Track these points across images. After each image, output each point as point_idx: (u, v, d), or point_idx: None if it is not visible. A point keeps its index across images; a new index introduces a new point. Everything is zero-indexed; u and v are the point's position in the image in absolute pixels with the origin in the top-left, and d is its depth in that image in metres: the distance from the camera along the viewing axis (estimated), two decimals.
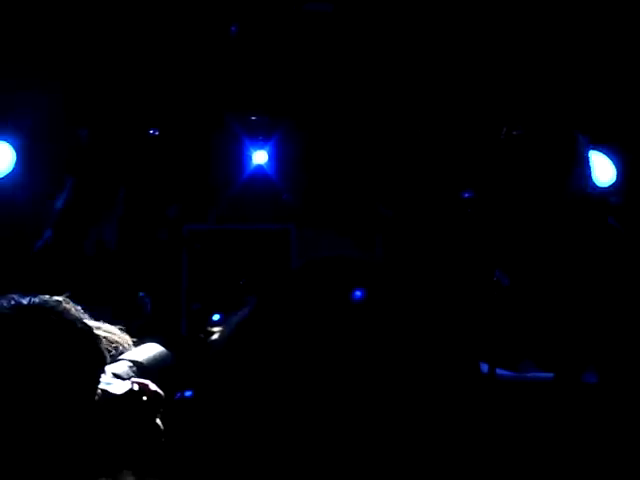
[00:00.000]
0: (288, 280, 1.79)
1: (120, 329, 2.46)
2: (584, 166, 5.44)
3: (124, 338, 2.44)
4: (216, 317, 7.45)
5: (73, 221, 5.41)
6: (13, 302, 2.23)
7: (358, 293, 1.66)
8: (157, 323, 6.74)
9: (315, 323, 1.72)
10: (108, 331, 2.37)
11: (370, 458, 1.52)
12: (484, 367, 5.35)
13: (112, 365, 2.40)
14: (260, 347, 1.69)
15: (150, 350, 2.71)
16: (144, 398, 2.43)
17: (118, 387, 2.35)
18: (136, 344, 2.47)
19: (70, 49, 7.53)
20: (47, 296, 2.27)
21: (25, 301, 2.24)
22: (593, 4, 7.28)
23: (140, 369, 2.52)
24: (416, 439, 1.71)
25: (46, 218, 5.49)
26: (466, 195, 6.54)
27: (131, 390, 2.37)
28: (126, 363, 2.49)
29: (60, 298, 2.30)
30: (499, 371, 5.54)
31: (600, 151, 6.73)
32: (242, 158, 8.26)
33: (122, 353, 2.44)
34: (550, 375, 5.59)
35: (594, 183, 6.08)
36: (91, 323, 2.34)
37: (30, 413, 2.22)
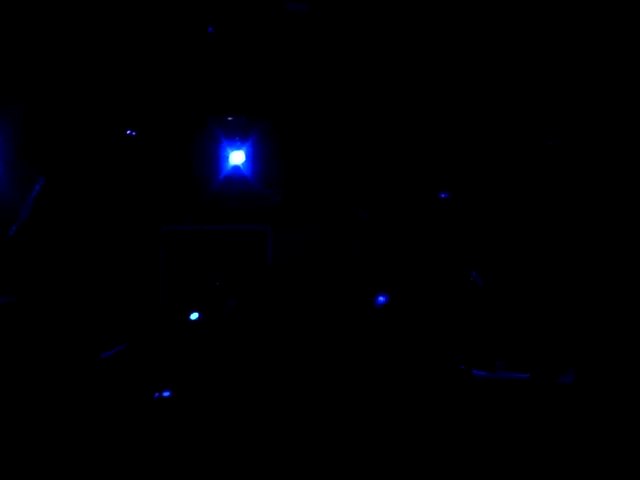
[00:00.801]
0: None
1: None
2: None
3: None
4: (194, 316, 7.46)
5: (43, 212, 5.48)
6: None
7: (381, 298, 1.72)
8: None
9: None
10: None
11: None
12: (461, 367, 5.41)
13: None
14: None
15: None
16: None
17: None
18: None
19: (49, 51, 7.52)
20: None
21: None
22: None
23: None
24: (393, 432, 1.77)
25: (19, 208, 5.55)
26: (442, 196, 6.58)
27: None
28: None
29: None
30: (475, 371, 5.60)
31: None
32: (219, 158, 8.25)
33: None
34: (524, 375, 5.65)
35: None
36: None
37: None
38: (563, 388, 5.46)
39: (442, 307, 6.01)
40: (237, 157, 8.25)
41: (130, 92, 7.91)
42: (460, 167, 7.41)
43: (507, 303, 6.12)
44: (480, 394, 5.44)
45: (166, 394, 6.14)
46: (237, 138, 8.22)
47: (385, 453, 5.17)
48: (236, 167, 8.24)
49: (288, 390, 6.00)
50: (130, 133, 8.06)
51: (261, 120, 8.22)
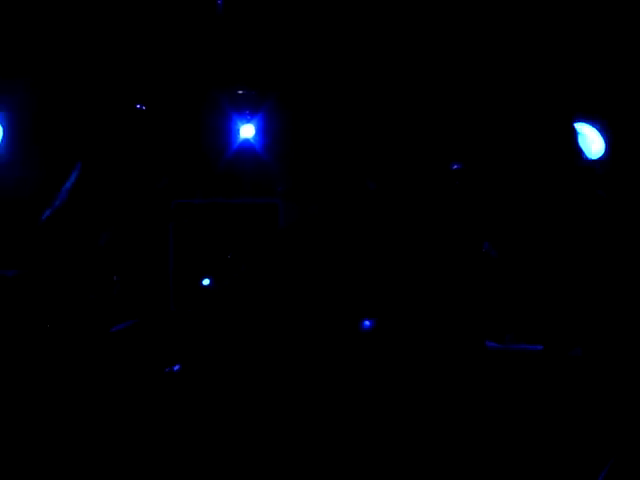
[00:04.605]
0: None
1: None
2: (574, 140, 5.45)
3: None
4: (206, 281, 7.49)
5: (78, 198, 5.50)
6: None
7: (367, 323, 1.72)
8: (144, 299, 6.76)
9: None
10: None
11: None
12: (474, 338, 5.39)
13: None
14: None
15: None
16: None
17: None
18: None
19: (57, 27, 7.52)
20: None
21: None
22: None
23: None
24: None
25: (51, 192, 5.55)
26: (454, 167, 6.54)
27: None
28: None
29: None
30: (488, 343, 5.58)
31: (589, 124, 6.73)
32: (229, 132, 8.24)
33: None
34: (537, 347, 5.63)
35: (584, 155, 6.09)
36: None
37: None
38: (572, 360, 5.44)
39: (454, 279, 5.98)
40: (247, 131, 8.24)
41: (139, 66, 7.89)
42: (473, 137, 7.37)
43: (521, 275, 6.08)
44: (493, 365, 5.42)
45: (176, 368, 6.14)
46: (247, 111, 8.20)
47: (396, 420, 5.16)
48: (246, 140, 8.23)
49: (300, 363, 5.99)
50: (140, 107, 8.05)
51: (271, 93, 8.19)
